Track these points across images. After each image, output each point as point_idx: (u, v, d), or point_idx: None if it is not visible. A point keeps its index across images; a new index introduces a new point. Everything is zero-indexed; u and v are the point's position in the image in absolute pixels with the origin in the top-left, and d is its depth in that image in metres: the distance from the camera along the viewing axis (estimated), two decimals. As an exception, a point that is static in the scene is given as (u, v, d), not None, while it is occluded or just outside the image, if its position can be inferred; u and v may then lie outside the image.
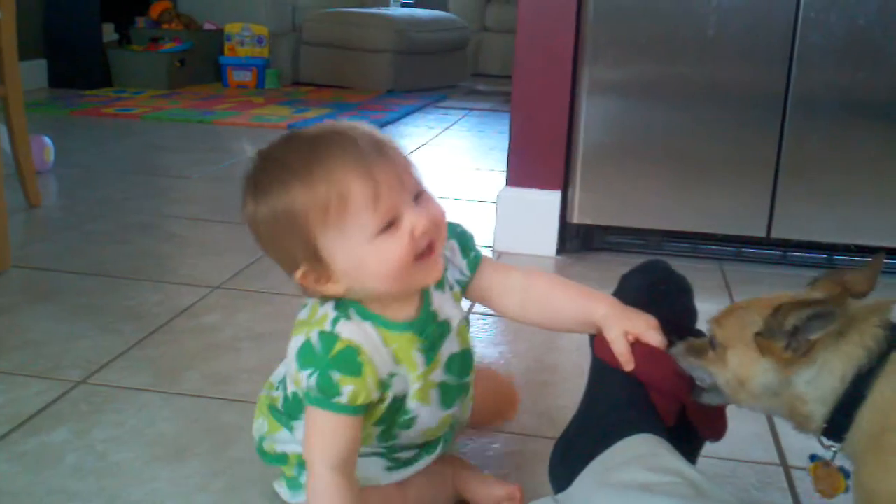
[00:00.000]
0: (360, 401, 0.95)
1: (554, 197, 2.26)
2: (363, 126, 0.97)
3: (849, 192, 2.13)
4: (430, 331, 1.02)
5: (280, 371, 1.11)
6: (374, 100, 5.16)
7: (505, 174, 2.31)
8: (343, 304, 0.98)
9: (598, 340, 1.08)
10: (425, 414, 1.04)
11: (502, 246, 2.29)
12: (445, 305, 1.05)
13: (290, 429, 1.08)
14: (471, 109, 5.03)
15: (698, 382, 0.99)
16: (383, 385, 0.98)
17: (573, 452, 1.04)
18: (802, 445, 1.34)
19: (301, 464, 1.08)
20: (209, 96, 4.94)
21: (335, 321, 0.97)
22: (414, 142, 3.92)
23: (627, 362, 1.04)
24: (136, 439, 1.28)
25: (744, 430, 1.25)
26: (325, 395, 0.94)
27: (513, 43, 2.24)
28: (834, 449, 0.93)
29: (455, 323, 1.06)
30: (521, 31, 2.21)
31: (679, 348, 1.01)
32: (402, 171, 0.95)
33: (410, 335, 1.00)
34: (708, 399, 1.00)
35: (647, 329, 1.05)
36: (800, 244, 2.22)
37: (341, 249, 0.94)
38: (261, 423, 1.12)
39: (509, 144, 2.29)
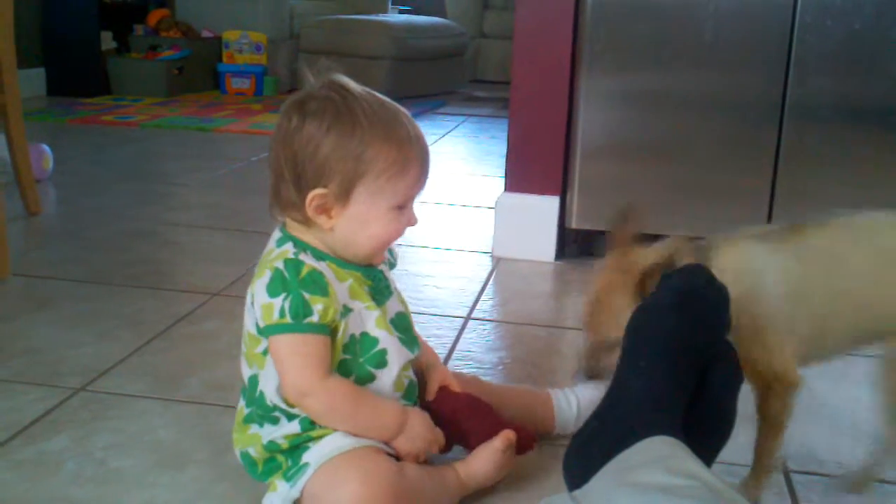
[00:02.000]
0: (329, 318, 1.04)
1: (552, 202, 2.26)
2: None
3: (847, 196, 2.13)
4: (377, 278, 1.14)
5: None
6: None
7: (503, 180, 2.32)
8: (300, 244, 1.09)
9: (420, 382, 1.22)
10: (393, 347, 1.12)
11: (501, 252, 2.30)
12: (388, 273, 1.19)
13: (269, 422, 1.10)
14: (469, 115, 5.03)
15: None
16: (340, 312, 1.06)
17: (591, 449, 1.05)
18: (801, 451, 1.35)
19: (293, 448, 1.09)
20: (208, 104, 4.94)
21: (296, 254, 1.06)
22: (412, 148, 3.92)
23: (430, 393, 1.22)
24: (135, 446, 1.28)
25: (743, 434, 1.25)
26: (299, 317, 1.02)
27: (510, 49, 2.24)
28: None
29: (394, 287, 1.19)
30: (519, 37, 2.21)
31: (593, 368, 1.19)
32: (427, 178, 1.12)
33: (359, 275, 1.11)
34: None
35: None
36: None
37: (367, 201, 1.06)
38: (241, 440, 1.14)
39: (507, 150, 2.29)
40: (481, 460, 1.17)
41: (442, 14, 6.75)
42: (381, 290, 1.15)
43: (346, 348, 1.09)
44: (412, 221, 1.12)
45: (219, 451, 1.27)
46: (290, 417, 1.09)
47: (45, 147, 2.92)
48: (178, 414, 1.39)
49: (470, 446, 1.20)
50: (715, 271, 1.09)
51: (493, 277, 2.15)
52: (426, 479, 1.12)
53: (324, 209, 1.07)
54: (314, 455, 1.08)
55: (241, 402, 1.15)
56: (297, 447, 1.09)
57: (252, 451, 1.12)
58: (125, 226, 2.46)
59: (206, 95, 5.30)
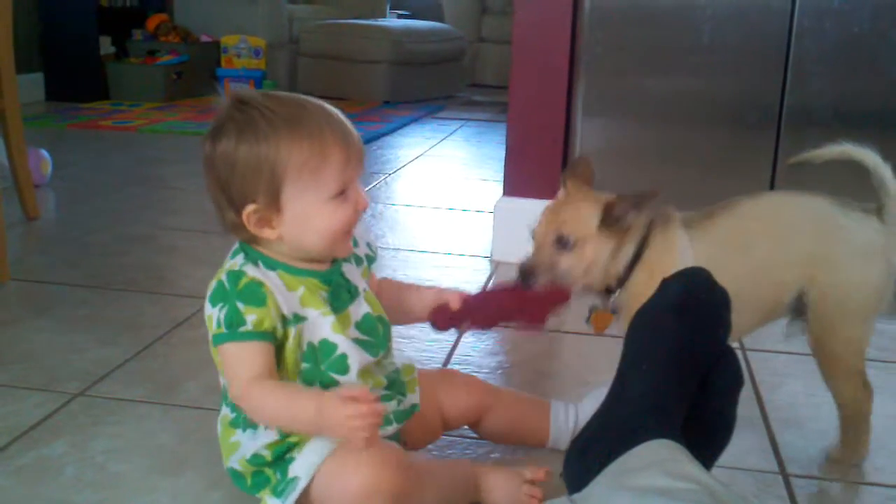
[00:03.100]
0: (265, 326, 1.03)
1: (551, 206, 2.26)
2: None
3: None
4: (335, 282, 1.12)
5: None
6: (370, 110, 5.17)
7: (502, 184, 2.32)
8: (251, 255, 1.09)
9: (430, 314, 1.24)
10: (353, 352, 1.10)
11: (499, 256, 2.30)
12: (354, 275, 1.16)
13: (250, 427, 1.10)
14: (467, 120, 5.04)
15: (549, 280, 1.25)
16: (284, 320, 1.06)
17: (591, 451, 1.05)
18: (802, 454, 1.35)
19: (277, 459, 1.09)
20: (206, 108, 4.94)
21: (243, 265, 1.07)
22: (411, 152, 3.92)
23: (457, 302, 1.23)
24: (134, 451, 1.28)
25: (743, 439, 1.25)
26: (233, 326, 1.03)
27: (509, 53, 2.25)
28: (613, 299, 1.29)
29: (362, 289, 1.16)
30: (517, 41, 2.22)
31: (537, 264, 1.26)
32: (363, 156, 1.11)
33: (315, 281, 1.10)
34: (538, 284, 1.25)
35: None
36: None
37: (299, 200, 1.05)
38: (226, 447, 1.14)
39: (506, 154, 2.30)
40: (502, 482, 1.17)
41: (440, 18, 6.76)
42: (339, 294, 1.12)
43: (305, 357, 1.08)
44: (361, 205, 1.09)
45: (218, 455, 1.26)
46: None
47: (44, 152, 2.92)
48: (177, 419, 1.39)
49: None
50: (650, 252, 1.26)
51: (491, 282, 2.15)
52: (435, 470, 1.14)
53: (263, 222, 1.06)
54: (302, 467, 1.07)
55: (225, 409, 1.15)
56: (281, 458, 1.09)
57: (237, 465, 1.12)
58: (124, 230, 2.46)
59: (204, 100, 5.30)
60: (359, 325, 1.13)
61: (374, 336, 1.14)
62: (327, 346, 1.09)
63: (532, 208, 2.27)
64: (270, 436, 1.09)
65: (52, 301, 1.90)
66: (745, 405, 1.24)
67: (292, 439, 1.08)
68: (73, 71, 4.99)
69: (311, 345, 1.08)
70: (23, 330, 1.73)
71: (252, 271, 1.06)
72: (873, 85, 2.08)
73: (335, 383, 1.09)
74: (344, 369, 1.09)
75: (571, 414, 1.33)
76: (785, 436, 1.40)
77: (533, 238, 1.29)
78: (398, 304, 1.25)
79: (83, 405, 1.42)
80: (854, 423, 1.31)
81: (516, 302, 1.26)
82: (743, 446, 1.32)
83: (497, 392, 1.35)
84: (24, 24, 4.47)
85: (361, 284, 1.16)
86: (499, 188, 2.35)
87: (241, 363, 1.04)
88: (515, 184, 2.29)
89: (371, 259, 1.21)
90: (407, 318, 1.27)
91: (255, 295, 1.04)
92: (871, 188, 1.27)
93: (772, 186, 2.14)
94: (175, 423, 1.38)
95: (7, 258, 2.00)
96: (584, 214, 1.25)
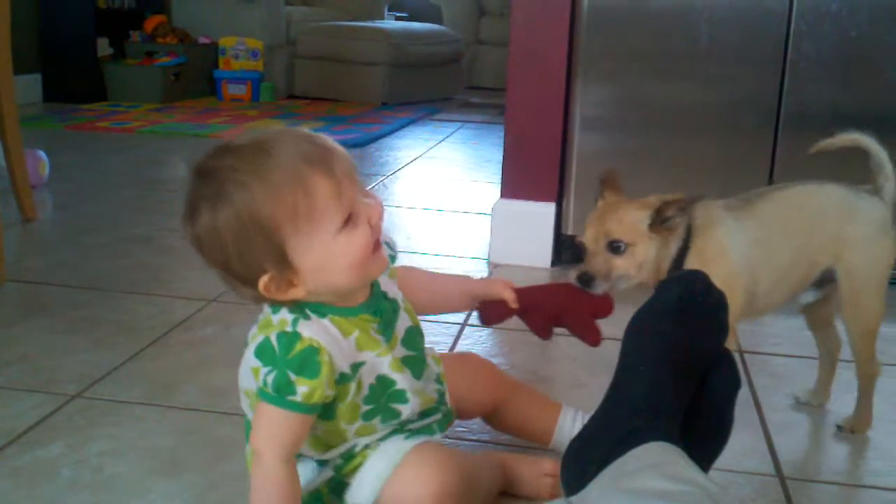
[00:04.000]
0: (315, 399, 0.97)
1: (548, 209, 2.27)
2: (298, 129, 1.00)
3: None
4: (384, 307, 1.06)
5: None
6: (368, 112, 5.18)
7: (499, 186, 2.32)
8: (298, 306, 1.00)
9: (482, 307, 1.26)
10: (408, 384, 1.07)
11: (497, 258, 2.30)
12: (390, 287, 1.11)
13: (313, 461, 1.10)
14: (465, 122, 5.04)
15: (608, 284, 1.30)
16: (343, 376, 1.00)
17: (588, 452, 1.05)
18: (799, 457, 1.35)
19: (333, 489, 1.09)
20: (204, 110, 4.95)
21: (295, 322, 0.98)
22: (408, 154, 3.92)
23: (514, 300, 1.24)
24: (131, 453, 1.28)
25: (740, 441, 1.25)
26: (281, 392, 0.96)
27: (506, 56, 2.25)
28: None
29: (401, 300, 1.11)
30: (515, 43, 2.22)
31: (595, 269, 1.31)
32: (352, 166, 0.98)
33: (366, 316, 1.03)
34: (598, 289, 1.29)
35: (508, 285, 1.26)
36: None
37: (309, 248, 0.95)
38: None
39: (503, 156, 2.30)
40: (526, 472, 1.21)
41: (438, 21, 6.77)
42: (388, 318, 1.07)
43: (367, 399, 1.05)
44: (374, 217, 0.98)
45: (215, 458, 1.27)
46: (321, 464, 1.08)
47: (42, 153, 2.92)
48: (174, 421, 1.39)
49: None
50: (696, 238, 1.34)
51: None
52: (480, 464, 1.17)
53: (285, 286, 0.97)
54: (363, 495, 1.06)
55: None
56: (338, 486, 1.08)
57: None
58: (121, 232, 2.46)
59: (202, 102, 5.30)
60: (404, 342, 1.09)
61: (416, 349, 1.12)
62: (387, 381, 1.06)
63: (529, 210, 2.30)
64: (326, 474, 1.08)
65: (49, 302, 1.89)
66: (742, 408, 1.24)
67: (346, 469, 1.08)
68: (70, 72, 4.99)
69: (371, 386, 1.04)
70: (20, 331, 1.73)
71: (307, 331, 0.97)
72: (871, 88, 2.08)
73: (397, 414, 1.08)
74: (405, 400, 1.08)
75: (579, 421, 1.32)
76: (782, 439, 1.40)
77: (584, 246, 1.35)
78: (430, 293, 1.23)
79: (80, 407, 1.42)
80: (870, 385, 1.43)
81: (572, 304, 1.28)
82: (740, 449, 1.32)
83: (513, 387, 1.34)
84: (21, 25, 4.46)
85: (398, 294, 1.12)
86: (496, 190, 2.35)
87: (279, 429, 0.98)
88: (513, 186, 2.29)
89: (393, 259, 1.15)
90: (440, 308, 1.27)
91: (310, 366, 0.96)
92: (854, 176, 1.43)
93: (769, 189, 2.14)
94: (172, 425, 1.37)
95: (4, 259, 1.99)
96: (632, 219, 1.32)
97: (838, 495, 1.27)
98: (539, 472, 1.22)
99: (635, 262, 1.32)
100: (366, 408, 1.05)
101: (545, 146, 2.24)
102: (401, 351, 1.08)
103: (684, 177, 2.18)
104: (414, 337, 1.11)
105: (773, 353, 1.73)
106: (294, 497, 0.99)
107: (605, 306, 1.28)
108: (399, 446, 1.08)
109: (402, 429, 1.10)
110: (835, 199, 1.43)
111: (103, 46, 5.23)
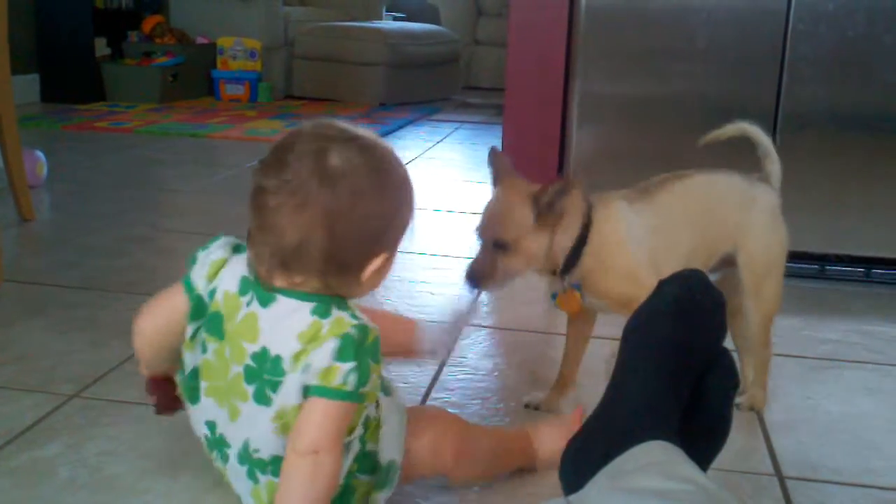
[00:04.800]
0: (374, 386, 1.00)
1: (547, 209, 2.26)
2: None
3: (839, 203, 2.14)
4: None
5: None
6: (366, 113, 5.18)
7: (498, 186, 2.32)
8: (342, 304, 1.01)
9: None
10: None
11: (495, 258, 2.29)
12: None
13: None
14: (463, 122, 5.04)
15: (495, 283, 1.33)
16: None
17: (587, 451, 1.05)
18: (797, 457, 1.35)
19: (364, 465, 1.10)
20: (202, 110, 4.94)
21: (354, 315, 1.00)
22: (406, 155, 3.92)
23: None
24: (129, 453, 1.28)
25: (739, 441, 1.25)
26: (358, 386, 0.96)
27: (504, 56, 2.25)
28: (567, 280, 1.36)
29: None
30: (513, 44, 2.22)
31: (481, 269, 1.32)
32: None
33: None
34: (487, 287, 1.35)
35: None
36: (791, 255, 2.22)
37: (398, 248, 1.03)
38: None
39: (502, 157, 2.29)
40: (549, 433, 1.26)
41: (436, 21, 6.77)
42: None
43: (384, 389, 1.09)
44: None
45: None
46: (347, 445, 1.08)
47: (40, 153, 2.92)
48: (172, 421, 1.38)
49: None
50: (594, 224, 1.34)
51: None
52: (488, 435, 1.24)
53: (376, 269, 1.01)
54: (394, 449, 1.09)
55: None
56: (365, 459, 1.08)
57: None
58: (119, 232, 2.45)
59: (200, 102, 5.30)
60: None
61: None
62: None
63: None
64: (355, 447, 1.07)
65: (47, 303, 1.89)
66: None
67: (368, 436, 1.08)
68: (68, 72, 4.99)
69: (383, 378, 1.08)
70: (18, 331, 1.73)
71: (366, 318, 1.00)
72: (868, 88, 2.08)
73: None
74: (389, 389, 1.12)
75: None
76: (780, 438, 1.40)
77: (477, 238, 1.35)
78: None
79: (78, 407, 1.42)
80: (766, 369, 1.49)
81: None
82: (738, 448, 1.32)
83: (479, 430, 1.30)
84: (19, 25, 4.47)
85: None
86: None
87: (342, 423, 0.98)
88: (511, 186, 2.29)
89: None
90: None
91: (377, 352, 0.99)
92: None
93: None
94: (170, 425, 1.37)
95: (2, 260, 1.99)
96: (517, 214, 1.31)
97: (837, 494, 1.27)
98: (566, 429, 1.21)
99: (522, 258, 1.32)
100: (382, 395, 1.08)
101: (543, 146, 2.24)
102: None
103: (682, 177, 2.18)
104: None
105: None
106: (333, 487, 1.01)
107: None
108: (388, 402, 1.10)
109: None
110: (733, 188, 1.47)
111: (101, 47, 5.22)
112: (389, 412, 1.09)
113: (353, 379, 0.96)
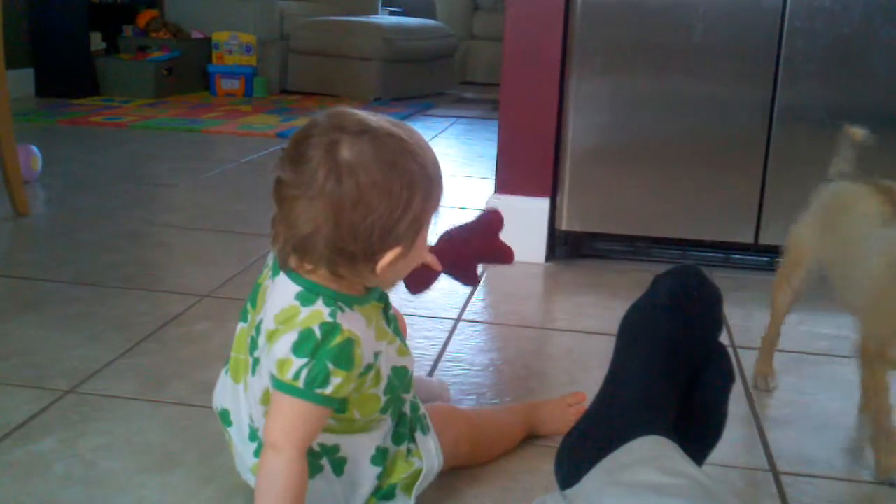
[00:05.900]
0: (342, 393, 0.97)
1: (543, 204, 2.27)
2: None
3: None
4: (383, 293, 1.09)
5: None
6: (361, 108, 5.16)
7: (493, 182, 2.32)
8: (330, 297, 0.99)
9: (406, 278, 1.15)
10: (413, 368, 1.12)
11: (491, 253, 2.29)
12: None
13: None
14: (459, 117, 5.03)
15: None
16: (367, 368, 1.01)
17: (583, 446, 1.05)
18: (792, 452, 1.35)
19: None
20: (197, 105, 4.93)
21: (333, 314, 0.97)
22: (402, 150, 3.91)
23: (436, 263, 1.25)
24: (124, 448, 1.28)
25: (733, 435, 1.25)
26: (312, 386, 0.94)
27: (500, 51, 2.24)
28: None
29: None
30: (509, 39, 2.22)
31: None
32: None
33: (377, 304, 1.06)
34: None
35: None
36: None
37: (420, 240, 1.00)
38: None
39: (497, 152, 2.29)
40: (550, 412, 1.34)
41: (432, 16, 6.76)
42: (387, 301, 1.10)
43: (386, 390, 1.05)
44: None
45: (208, 453, 1.27)
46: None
47: (34, 148, 2.91)
48: (167, 416, 1.39)
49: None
50: None
51: (483, 279, 2.15)
52: (489, 421, 1.29)
53: (390, 262, 0.98)
54: (430, 452, 1.13)
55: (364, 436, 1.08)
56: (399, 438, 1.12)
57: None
58: (114, 227, 2.45)
59: (195, 96, 5.29)
60: (393, 328, 1.10)
61: (400, 334, 1.12)
62: (401, 371, 1.08)
63: (524, 205, 2.29)
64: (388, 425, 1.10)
65: (41, 298, 1.89)
66: (736, 402, 1.24)
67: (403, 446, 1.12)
68: (63, 67, 4.97)
69: (389, 377, 1.05)
70: (12, 327, 1.72)
71: (346, 322, 0.97)
72: (864, 84, 2.08)
73: (402, 401, 1.11)
74: (409, 387, 1.12)
75: None
76: (775, 433, 1.41)
77: None
78: None
79: (73, 402, 1.41)
80: None
81: (486, 245, 1.38)
82: (734, 443, 1.32)
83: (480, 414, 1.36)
84: (14, 19, 4.45)
85: None
86: (490, 185, 2.35)
87: (301, 422, 0.97)
88: (507, 181, 2.29)
89: None
90: None
91: (348, 357, 0.95)
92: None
93: (763, 186, 2.14)
94: (165, 420, 1.37)
95: (-4, 254, 1.99)
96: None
97: (832, 490, 1.27)
98: (562, 404, 1.34)
99: None
100: (385, 398, 1.06)
101: (539, 141, 2.24)
102: (396, 337, 1.09)
103: (678, 171, 2.18)
104: (395, 322, 1.11)
105: (766, 349, 1.73)
106: (304, 491, 0.99)
107: (499, 221, 1.40)
108: (424, 441, 1.14)
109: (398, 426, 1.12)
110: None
111: (96, 41, 5.21)
112: (429, 456, 1.13)
113: (304, 375, 0.94)
